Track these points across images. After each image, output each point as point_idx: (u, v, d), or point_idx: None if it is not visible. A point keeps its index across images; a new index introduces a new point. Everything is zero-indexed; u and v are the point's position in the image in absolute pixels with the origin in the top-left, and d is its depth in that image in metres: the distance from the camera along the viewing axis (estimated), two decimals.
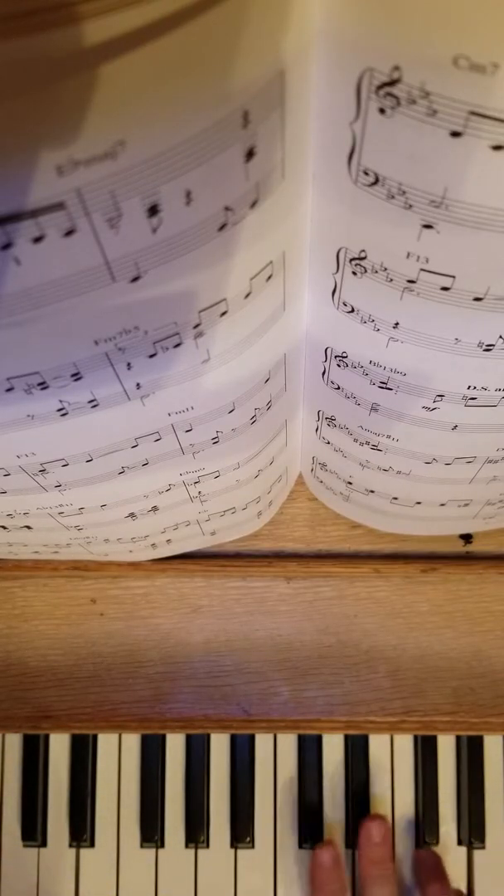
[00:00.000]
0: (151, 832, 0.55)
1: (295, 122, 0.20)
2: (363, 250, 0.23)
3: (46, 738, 0.56)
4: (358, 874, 0.53)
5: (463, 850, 0.55)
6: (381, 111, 0.17)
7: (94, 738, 0.56)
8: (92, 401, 0.25)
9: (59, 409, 0.25)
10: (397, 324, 0.25)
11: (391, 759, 0.56)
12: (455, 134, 0.17)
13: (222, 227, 0.20)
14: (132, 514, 0.36)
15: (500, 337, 0.24)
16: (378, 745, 0.56)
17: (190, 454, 0.32)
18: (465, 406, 0.28)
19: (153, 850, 0.55)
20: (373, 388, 0.29)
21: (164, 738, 0.56)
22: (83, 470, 0.30)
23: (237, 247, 0.21)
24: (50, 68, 0.14)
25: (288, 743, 0.56)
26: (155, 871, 0.55)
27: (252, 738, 0.56)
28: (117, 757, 0.56)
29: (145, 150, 0.16)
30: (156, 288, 0.20)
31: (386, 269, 0.23)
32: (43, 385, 0.23)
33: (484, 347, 0.25)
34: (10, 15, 0.13)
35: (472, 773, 0.56)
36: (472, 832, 0.55)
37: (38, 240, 0.17)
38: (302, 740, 0.56)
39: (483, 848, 0.55)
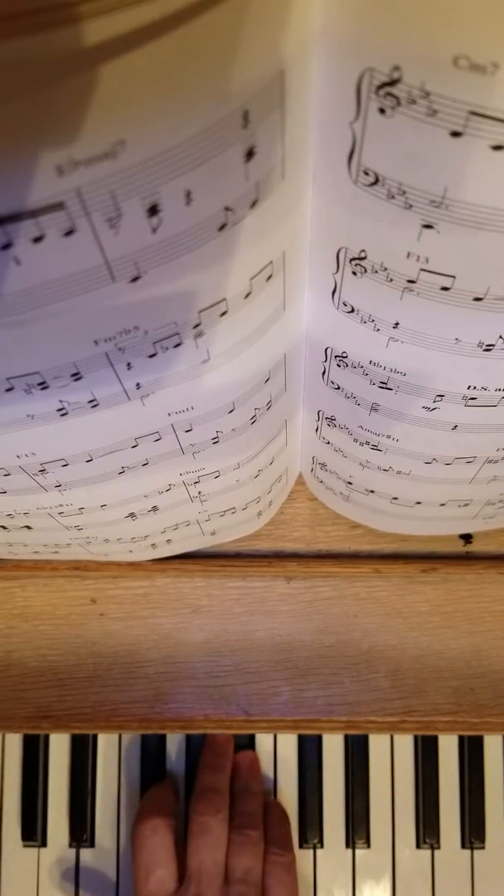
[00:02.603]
0: None
1: (295, 122, 0.20)
2: (363, 250, 0.23)
3: (46, 738, 0.56)
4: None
5: (463, 850, 0.55)
6: (381, 111, 0.17)
7: (94, 738, 0.56)
8: (92, 401, 0.25)
9: (59, 409, 0.25)
10: (397, 324, 0.25)
11: (391, 759, 0.56)
12: (455, 134, 0.17)
13: (222, 228, 0.20)
14: (132, 514, 0.36)
15: (500, 337, 0.24)
16: (378, 744, 0.56)
17: (190, 454, 0.32)
18: (465, 406, 0.28)
19: None
20: (373, 388, 0.29)
21: (164, 738, 0.56)
22: (83, 470, 0.30)
23: (237, 247, 0.21)
24: (50, 68, 0.14)
25: (288, 743, 0.56)
26: None
27: (252, 738, 0.56)
28: (117, 757, 0.56)
29: (145, 150, 0.16)
30: (156, 288, 0.20)
31: (386, 269, 0.23)
32: (43, 385, 0.23)
33: (484, 347, 0.25)
34: (10, 15, 0.13)
35: (472, 773, 0.56)
36: (472, 832, 0.55)
37: (37, 240, 0.17)
38: (302, 740, 0.56)
39: (483, 848, 0.55)
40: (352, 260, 0.23)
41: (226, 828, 0.49)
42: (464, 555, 0.49)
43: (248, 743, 0.56)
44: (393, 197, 0.20)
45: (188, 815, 0.50)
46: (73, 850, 0.55)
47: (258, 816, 0.51)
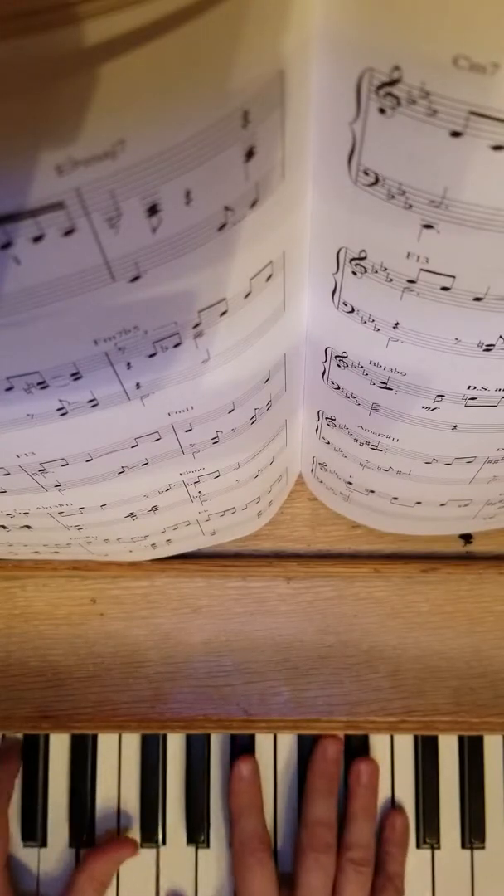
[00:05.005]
0: (151, 832, 0.55)
1: (295, 122, 0.20)
2: (363, 250, 0.23)
3: (46, 738, 0.56)
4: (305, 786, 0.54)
5: (463, 850, 0.55)
6: (381, 111, 0.17)
7: (94, 738, 0.56)
8: (92, 400, 0.25)
9: (59, 409, 0.25)
10: (397, 324, 0.25)
11: (391, 759, 0.56)
12: (455, 134, 0.17)
13: (222, 227, 0.20)
14: (132, 514, 0.36)
15: (500, 337, 0.24)
16: (378, 745, 0.56)
17: (190, 454, 0.32)
18: (465, 406, 0.28)
19: (153, 850, 0.55)
20: (373, 388, 0.29)
21: (164, 738, 0.56)
22: (83, 470, 0.30)
23: (237, 247, 0.21)
24: (50, 68, 0.14)
25: (288, 743, 0.56)
26: (155, 871, 0.55)
27: (252, 738, 0.56)
28: (117, 757, 0.56)
29: (145, 149, 0.16)
30: (156, 288, 0.20)
31: (386, 269, 0.23)
32: (43, 385, 0.23)
33: (484, 347, 0.25)
34: (10, 15, 0.13)
35: (472, 773, 0.56)
36: (472, 832, 0.55)
37: (37, 239, 0.17)
38: (302, 740, 0.56)
39: (483, 848, 0.55)
40: (352, 260, 0.23)
41: (334, 859, 0.51)
42: (464, 555, 0.49)
43: (249, 743, 0.56)
44: (393, 197, 0.20)
45: (300, 842, 0.51)
46: (73, 850, 0.55)
47: (372, 848, 0.52)
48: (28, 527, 0.36)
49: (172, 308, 0.22)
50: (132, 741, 0.56)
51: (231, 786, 0.54)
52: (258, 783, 0.54)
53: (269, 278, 0.24)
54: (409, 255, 0.21)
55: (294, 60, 0.18)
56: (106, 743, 0.56)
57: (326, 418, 0.35)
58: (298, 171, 0.21)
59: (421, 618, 0.48)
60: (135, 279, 0.20)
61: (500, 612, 0.48)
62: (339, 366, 0.30)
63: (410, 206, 0.19)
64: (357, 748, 0.56)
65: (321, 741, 0.54)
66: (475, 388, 0.27)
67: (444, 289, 0.22)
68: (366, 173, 0.20)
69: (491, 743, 0.56)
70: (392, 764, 0.56)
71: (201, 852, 0.55)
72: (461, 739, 0.56)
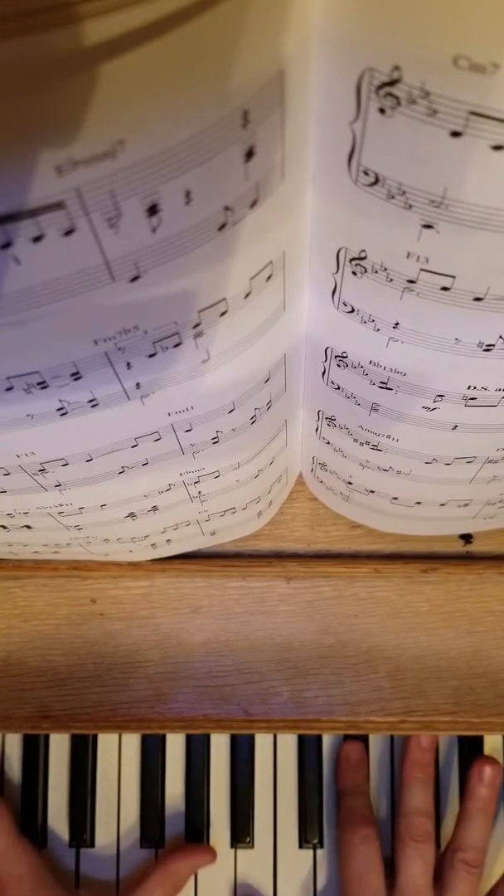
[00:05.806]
0: (151, 832, 0.55)
1: (295, 122, 0.20)
2: (363, 250, 0.23)
3: (46, 738, 0.56)
4: (398, 776, 0.54)
5: None
6: (381, 111, 0.17)
7: (94, 738, 0.56)
8: (92, 400, 0.25)
9: (59, 409, 0.25)
10: (397, 324, 0.25)
11: (391, 758, 0.56)
12: (455, 134, 0.17)
13: (222, 227, 0.20)
14: (132, 514, 0.36)
15: (500, 337, 0.24)
16: (378, 745, 0.56)
17: (190, 454, 0.32)
18: (465, 406, 0.28)
19: (153, 850, 0.55)
20: (373, 388, 0.29)
21: (164, 738, 0.56)
22: (83, 470, 0.30)
23: (237, 247, 0.21)
24: (50, 68, 0.14)
25: (288, 743, 0.56)
26: None
27: (252, 738, 0.56)
28: (117, 757, 0.56)
29: (145, 149, 0.16)
30: (155, 288, 0.20)
31: (386, 269, 0.23)
32: (43, 384, 0.23)
33: (484, 347, 0.25)
34: (10, 15, 0.13)
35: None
36: None
37: (37, 239, 0.17)
38: (302, 740, 0.56)
39: None
40: (352, 260, 0.23)
41: (434, 848, 0.51)
42: (464, 555, 0.49)
43: (249, 743, 0.56)
44: (393, 197, 0.20)
45: (398, 832, 0.52)
46: (73, 850, 0.55)
47: (484, 850, 0.52)
48: (28, 527, 0.36)
49: (172, 308, 0.22)
50: (132, 741, 0.56)
51: (339, 768, 0.54)
52: (365, 765, 0.55)
53: (269, 278, 0.24)
54: (409, 255, 0.21)
55: (294, 60, 0.18)
56: (106, 743, 0.56)
57: (326, 418, 0.35)
58: (298, 171, 0.21)
59: (421, 618, 0.48)
60: (135, 279, 0.20)
61: (500, 612, 0.48)
62: (339, 366, 0.30)
63: (410, 206, 0.20)
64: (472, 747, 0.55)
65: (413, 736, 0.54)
66: (475, 388, 0.27)
67: (444, 289, 0.22)
68: (366, 173, 0.20)
69: (491, 743, 0.56)
70: (392, 764, 0.56)
71: None
72: (461, 739, 0.56)
